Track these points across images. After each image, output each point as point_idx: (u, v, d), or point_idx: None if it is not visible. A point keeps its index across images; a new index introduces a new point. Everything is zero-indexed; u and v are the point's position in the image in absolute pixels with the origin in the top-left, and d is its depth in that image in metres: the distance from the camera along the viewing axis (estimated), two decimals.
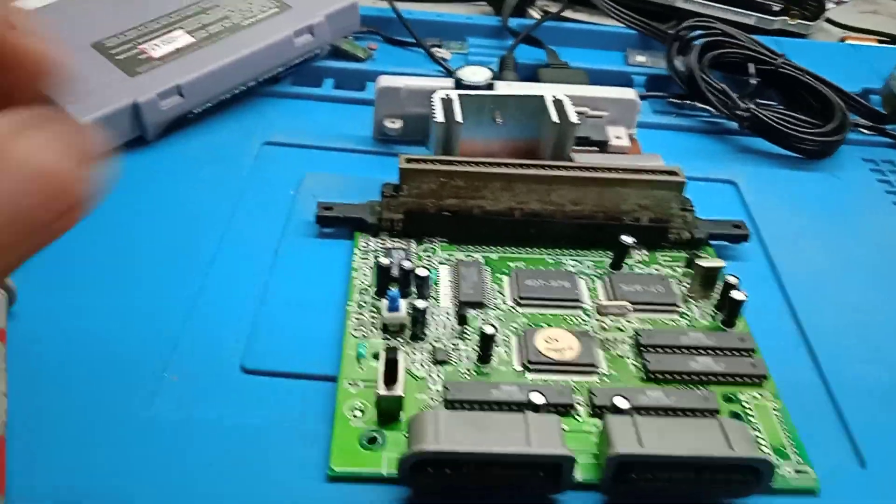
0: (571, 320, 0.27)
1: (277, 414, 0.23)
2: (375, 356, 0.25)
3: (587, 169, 0.29)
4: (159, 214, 0.31)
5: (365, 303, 0.27)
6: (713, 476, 0.21)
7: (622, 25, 0.47)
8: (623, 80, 0.44)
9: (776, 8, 0.51)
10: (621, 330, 0.27)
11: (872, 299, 0.30)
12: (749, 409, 0.25)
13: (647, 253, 0.31)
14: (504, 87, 0.35)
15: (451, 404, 0.23)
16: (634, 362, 0.26)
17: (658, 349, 0.26)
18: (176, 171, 0.33)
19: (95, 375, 0.24)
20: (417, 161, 0.29)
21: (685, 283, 0.29)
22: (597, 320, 0.27)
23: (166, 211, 0.31)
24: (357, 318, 0.26)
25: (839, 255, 0.33)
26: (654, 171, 0.30)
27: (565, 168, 0.29)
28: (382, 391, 0.22)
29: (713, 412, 0.24)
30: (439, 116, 0.31)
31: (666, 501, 0.22)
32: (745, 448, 0.21)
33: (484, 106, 0.33)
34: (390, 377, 0.22)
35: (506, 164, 0.29)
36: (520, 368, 0.25)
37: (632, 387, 0.25)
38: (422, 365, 0.25)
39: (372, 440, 0.22)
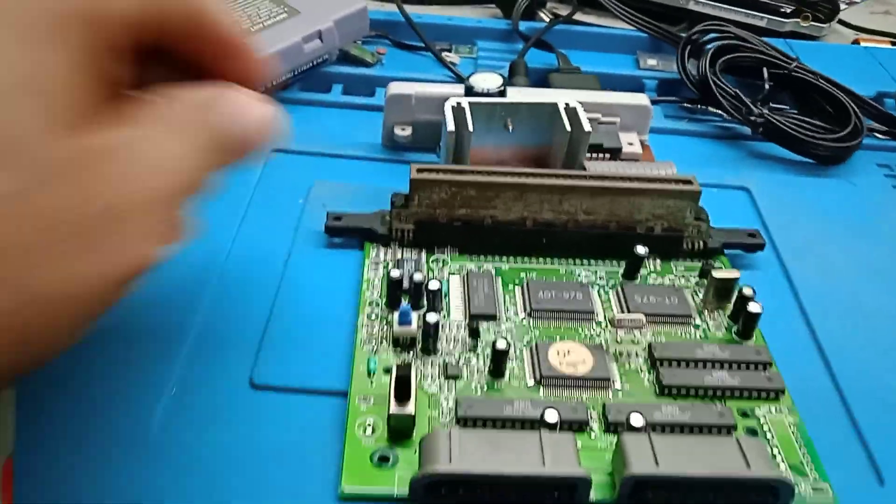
0: (584, 332, 0.27)
1: (286, 431, 0.23)
2: (387, 371, 0.24)
3: (600, 178, 0.29)
4: None
5: (375, 315, 0.27)
6: (730, 496, 0.21)
7: (633, 28, 0.47)
8: (634, 85, 0.43)
9: (788, 10, 0.50)
10: (635, 342, 0.26)
11: (889, 309, 0.30)
12: (765, 424, 0.24)
13: (660, 262, 0.30)
14: (515, 94, 0.35)
15: (463, 421, 0.23)
16: (648, 376, 0.25)
17: (672, 362, 0.25)
18: None
19: (99, 391, 0.24)
20: (429, 171, 0.29)
21: (699, 293, 0.29)
22: (610, 333, 0.27)
23: None
24: (367, 332, 0.26)
25: (854, 264, 0.32)
26: (668, 181, 0.29)
27: (578, 177, 0.29)
28: (394, 409, 0.22)
29: (730, 428, 0.23)
30: (450, 125, 0.31)
31: None
32: (763, 467, 0.21)
33: (495, 113, 0.33)
34: (401, 394, 0.22)
35: (518, 174, 0.29)
36: (533, 383, 0.25)
37: (646, 402, 0.24)
38: (433, 380, 0.24)
39: (384, 459, 0.22)
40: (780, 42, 0.48)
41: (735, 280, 0.28)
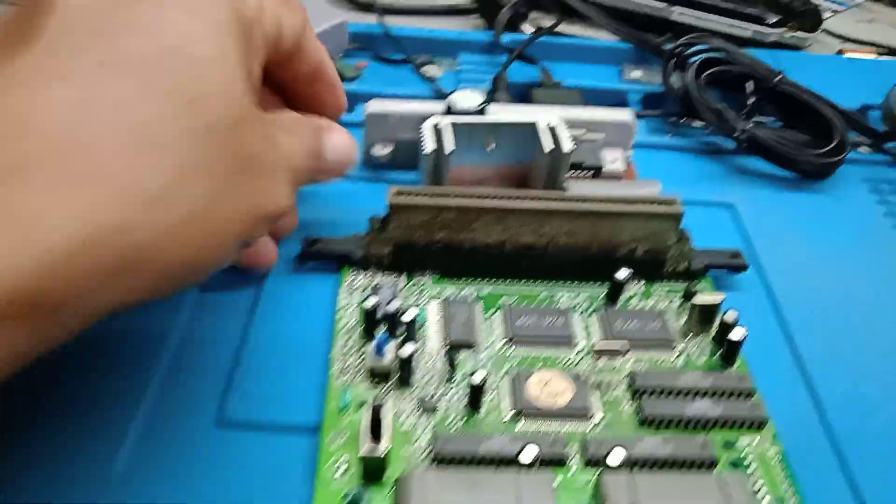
0: (565, 360, 0.26)
1: (255, 471, 0.22)
2: (361, 405, 0.24)
3: (581, 201, 0.29)
4: None
5: (351, 346, 0.26)
6: None
7: (617, 39, 0.46)
8: (618, 99, 0.43)
9: (772, 20, 0.50)
10: (616, 371, 0.26)
11: (875, 330, 0.30)
12: (748, 456, 0.24)
13: (643, 284, 0.30)
14: (497, 111, 0.34)
15: (438, 460, 0.22)
16: (629, 406, 0.25)
17: (654, 392, 0.25)
18: None
19: (62, 428, 0.23)
20: (407, 194, 0.28)
21: (683, 316, 0.28)
22: (592, 361, 0.26)
23: None
24: (342, 363, 0.25)
25: (839, 284, 0.32)
26: (650, 202, 0.29)
27: (558, 200, 0.29)
28: (366, 449, 0.21)
29: (712, 462, 0.23)
30: (429, 146, 0.30)
31: None
32: None
33: (475, 133, 0.32)
34: (375, 433, 0.21)
35: (498, 197, 0.28)
36: (511, 416, 0.24)
37: (627, 434, 0.24)
38: (409, 415, 0.24)
39: (355, 502, 0.21)
40: (765, 53, 0.47)
41: (717, 305, 0.27)
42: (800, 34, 0.51)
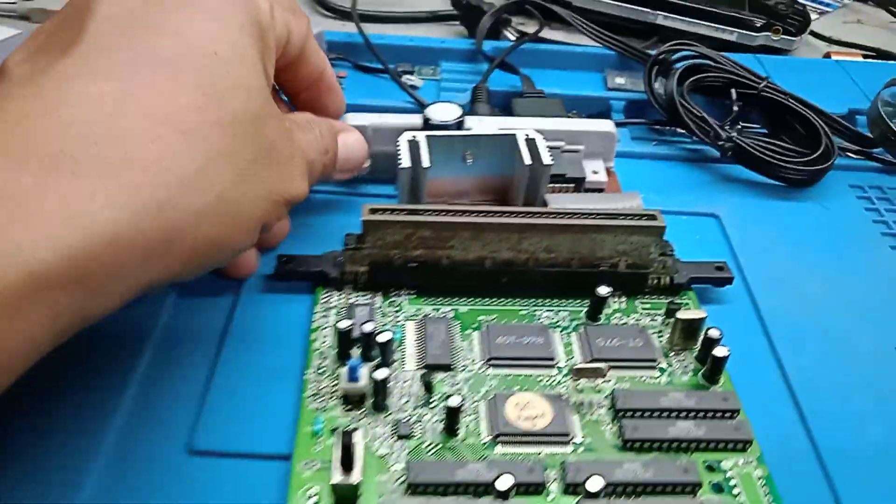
0: (545, 380, 0.26)
1: (226, 500, 0.22)
2: (334, 431, 0.23)
3: (561, 215, 0.28)
4: None
5: (324, 369, 0.25)
6: None
7: (600, 46, 0.46)
8: (601, 106, 0.42)
9: (759, 24, 0.49)
10: (597, 391, 0.25)
11: (863, 343, 0.29)
12: (733, 478, 0.23)
13: (626, 300, 0.29)
14: (476, 123, 0.34)
15: (413, 488, 0.21)
16: (611, 428, 0.24)
17: (636, 413, 0.24)
18: None
19: (29, 456, 0.22)
20: (382, 212, 0.27)
21: (667, 331, 0.28)
22: (572, 381, 0.25)
23: None
24: (315, 388, 0.25)
25: (826, 296, 0.31)
26: (631, 216, 0.28)
27: (537, 215, 0.28)
28: (338, 478, 0.21)
29: (695, 486, 0.22)
30: (405, 161, 0.30)
31: None
32: None
33: (453, 146, 0.31)
34: (346, 462, 0.21)
35: (475, 213, 0.27)
36: (489, 440, 0.23)
37: (607, 457, 0.23)
38: (383, 440, 0.23)
39: None
40: (750, 58, 0.47)
41: (701, 320, 0.27)
42: (786, 37, 0.50)
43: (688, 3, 0.49)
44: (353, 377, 0.24)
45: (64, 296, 0.18)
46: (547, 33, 0.48)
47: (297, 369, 0.25)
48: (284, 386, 0.25)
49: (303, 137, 0.26)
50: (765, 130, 0.41)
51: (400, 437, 0.23)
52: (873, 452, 0.25)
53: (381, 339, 0.24)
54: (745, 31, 0.49)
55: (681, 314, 0.27)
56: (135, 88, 0.19)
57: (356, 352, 0.25)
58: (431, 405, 0.24)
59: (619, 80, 0.44)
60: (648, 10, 0.49)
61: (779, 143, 0.38)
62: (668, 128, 0.41)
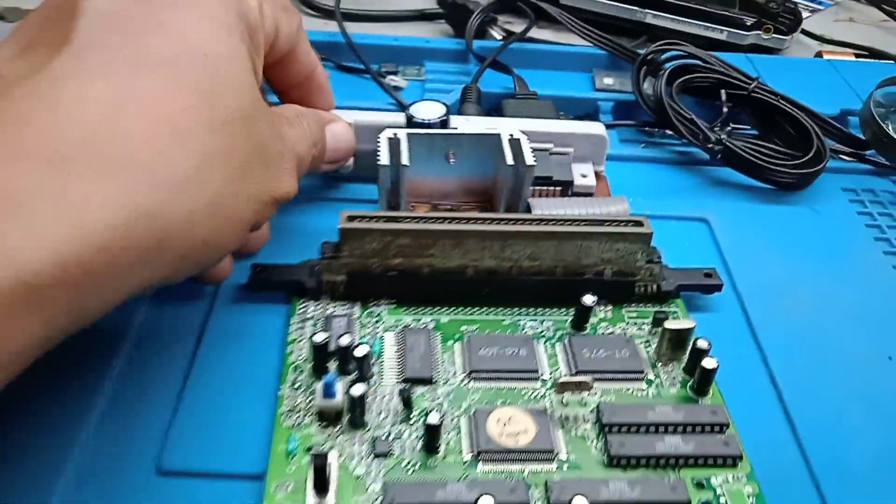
0: (528, 394, 0.25)
1: None
2: (309, 449, 0.22)
3: (545, 222, 0.27)
4: None
5: (300, 384, 0.24)
6: None
7: (589, 45, 0.45)
8: (590, 108, 0.41)
9: (749, 22, 0.49)
10: (583, 405, 0.24)
11: (855, 352, 0.28)
12: (722, 496, 0.22)
13: (612, 309, 0.28)
14: (461, 123, 0.33)
15: None
16: (596, 444, 0.23)
17: (622, 428, 0.23)
18: None
19: None
20: (360, 219, 0.26)
21: (653, 342, 0.27)
22: (557, 395, 0.25)
23: None
24: (290, 404, 0.24)
25: (818, 304, 0.30)
26: (617, 223, 0.27)
27: (521, 221, 0.27)
28: (311, 502, 0.20)
29: None
30: (384, 159, 0.29)
31: None
32: None
33: (434, 144, 0.31)
34: (319, 485, 0.20)
35: (456, 220, 0.27)
36: (470, 458, 0.23)
37: (592, 475, 0.22)
38: (360, 459, 0.22)
39: None
40: (740, 57, 0.46)
41: (689, 331, 0.26)
42: (777, 36, 0.49)
43: (677, 2, 0.48)
44: (328, 393, 0.23)
45: (57, 301, 0.17)
46: (535, 32, 0.47)
47: (272, 384, 0.24)
48: (258, 401, 0.24)
49: (292, 133, 0.25)
50: (755, 132, 0.40)
51: (377, 456, 0.22)
52: (866, 468, 0.24)
53: (358, 353, 0.24)
54: (735, 30, 0.49)
55: (669, 324, 0.26)
56: (131, 89, 0.19)
57: (333, 365, 0.25)
58: (411, 422, 0.23)
59: (608, 81, 0.44)
60: (637, 8, 0.49)
61: (769, 145, 0.37)
62: (656, 129, 0.40)
